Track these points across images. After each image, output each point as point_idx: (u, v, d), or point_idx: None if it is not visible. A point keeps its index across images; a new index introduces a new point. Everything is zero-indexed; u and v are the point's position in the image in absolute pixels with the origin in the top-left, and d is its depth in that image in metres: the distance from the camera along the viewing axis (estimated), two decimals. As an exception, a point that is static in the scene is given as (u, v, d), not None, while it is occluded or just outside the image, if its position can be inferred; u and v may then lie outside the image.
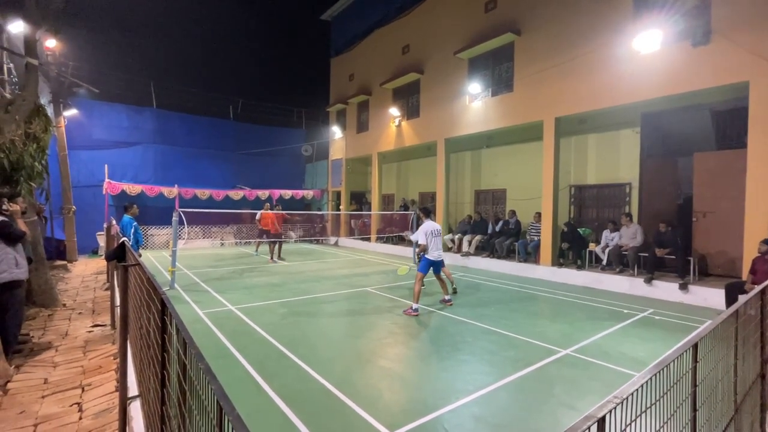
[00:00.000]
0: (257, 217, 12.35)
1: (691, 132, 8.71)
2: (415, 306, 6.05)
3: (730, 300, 5.86)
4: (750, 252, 6.28)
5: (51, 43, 10.58)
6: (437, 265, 6.49)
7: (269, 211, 12.05)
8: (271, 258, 11.91)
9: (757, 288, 2.68)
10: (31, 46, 6.21)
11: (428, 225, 6.39)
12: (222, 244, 16.47)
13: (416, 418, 3.09)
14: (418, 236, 6.43)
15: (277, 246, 12.13)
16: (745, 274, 6.19)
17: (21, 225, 4.45)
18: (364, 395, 3.49)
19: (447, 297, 6.66)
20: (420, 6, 13.75)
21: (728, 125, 8.15)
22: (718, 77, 6.90)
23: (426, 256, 6.30)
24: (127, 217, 7.25)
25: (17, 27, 7.33)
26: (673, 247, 7.52)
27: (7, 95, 5.73)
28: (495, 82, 11.21)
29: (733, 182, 7.24)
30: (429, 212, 6.77)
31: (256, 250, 13.83)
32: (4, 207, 4.37)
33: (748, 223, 6.58)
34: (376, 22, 16.13)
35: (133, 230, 7.03)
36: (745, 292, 5.52)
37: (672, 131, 9.13)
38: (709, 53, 7.00)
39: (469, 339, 5.01)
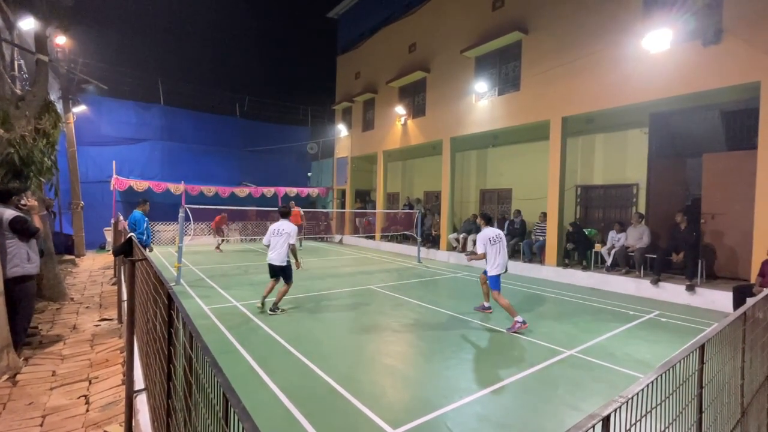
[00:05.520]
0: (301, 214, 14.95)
1: (701, 132, 8.59)
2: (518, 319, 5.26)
3: (738, 303, 5.79)
4: (759, 254, 6.20)
5: (61, 39, 10.69)
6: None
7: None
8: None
9: (766, 291, 2.65)
10: (41, 42, 6.26)
11: (488, 231, 5.52)
12: (227, 240, 16.53)
13: (419, 416, 3.09)
14: (478, 246, 5.56)
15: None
16: (753, 277, 6.12)
17: (36, 221, 4.48)
18: (367, 392, 3.49)
19: (486, 304, 6.17)
20: (427, 4, 13.69)
21: (738, 126, 8.04)
22: (728, 77, 6.81)
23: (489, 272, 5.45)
24: (137, 212, 7.30)
25: (28, 24, 7.41)
26: (686, 247, 7.39)
27: (18, 91, 5.79)
28: (502, 80, 11.15)
29: (743, 184, 7.14)
30: (489, 218, 5.80)
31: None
32: (22, 202, 4.40)
33: (758, 226, 6.49)
34: (383, 20, 16.11)
35: (145, 225, 7.10)
36: (753, 295, 5.45)
37: (681, 132, 9.01)
38: (719, 53, 6.91)
39: (473, 338, 5.01)
